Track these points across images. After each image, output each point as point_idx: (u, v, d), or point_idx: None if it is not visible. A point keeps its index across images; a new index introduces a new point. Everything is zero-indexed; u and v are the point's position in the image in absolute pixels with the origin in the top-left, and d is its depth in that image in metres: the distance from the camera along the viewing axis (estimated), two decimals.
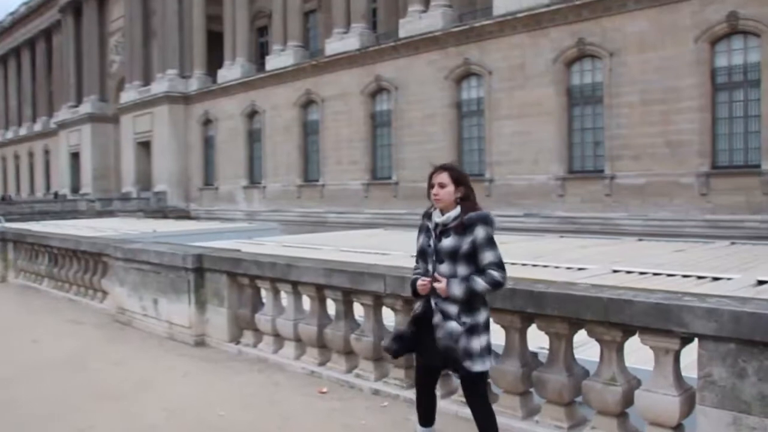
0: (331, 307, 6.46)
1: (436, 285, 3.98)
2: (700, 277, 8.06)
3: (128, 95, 48.62)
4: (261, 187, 39.15)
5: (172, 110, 44.58)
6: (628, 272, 8.50)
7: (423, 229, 4.27)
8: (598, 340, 4.37)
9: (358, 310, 6.23)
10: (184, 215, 42.63)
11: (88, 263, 11.16)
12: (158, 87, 45.30)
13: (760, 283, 7.78)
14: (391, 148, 30.91)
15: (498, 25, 26.17)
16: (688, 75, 21.30)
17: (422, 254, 4.20)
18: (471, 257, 3.97)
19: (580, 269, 8.75)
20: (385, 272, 5.76)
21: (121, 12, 50.32)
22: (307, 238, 17.66)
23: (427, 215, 4.25)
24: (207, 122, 43.67)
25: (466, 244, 3.96)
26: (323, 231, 25.41)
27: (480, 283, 3.90)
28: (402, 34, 30.15)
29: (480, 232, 3.94)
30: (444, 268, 4.02)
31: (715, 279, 7.97)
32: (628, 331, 4.21)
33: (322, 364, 6.43)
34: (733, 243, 12.28)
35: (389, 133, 31.18)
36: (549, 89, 24.63)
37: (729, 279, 7.85)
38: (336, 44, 33.60)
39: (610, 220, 22.60)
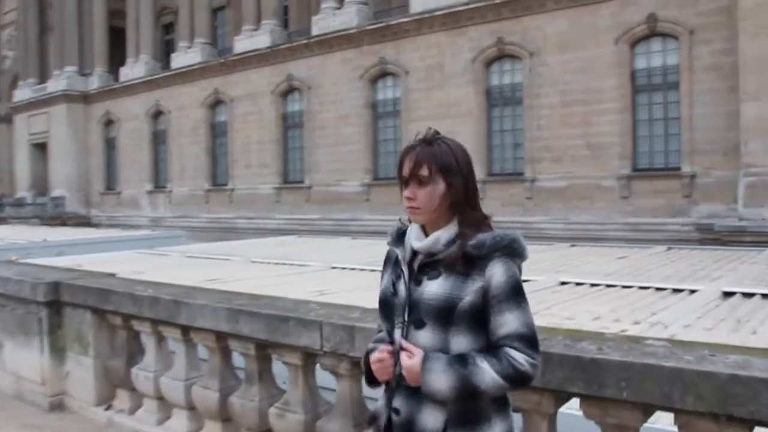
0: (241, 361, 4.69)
1: (403, 362, 2.25)
2: (659, 289, 7.16)
3: (22, 93, 45.52)
4: (167, 192, 37.17)
5: (70, 110, 41.91)
6: (578, 284, 7.54)
7: (389, 261, 2.53)
8: None
9: (279, 369, 4.42)
10: (84, 222, 40.21)
11: None
12: (55, 85, 42.55)
13: (726, 294, 6.96)
14: (304, 150, 29.63)
15: (415, 23, 25.32)
16: (609, 76, 20.94)
17: (385, 306, 2.41)
18: (477, 319, 2.26)
19: (524, 281, 7.72)
20: (322, 318, 3.79)
21: (14, 4, 47.17)
22: (214, 248, 16.17)
23: (398, 235, 2.54)
24: (109, 123, 41.28)
25: (470, 293, 2.24)
26: (233, 238, 23.96)
27: (487, 373, 2.17)
28: (315, 31, 28.95)
29: (499, 273, 2.26)
30: (425, 335, 2.27)
31: (677, 291, 7.09)
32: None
33: None
34: (670, 248, 11.59)
35: (301, 134, 29.89)
36: (468, 90, 23.90)
37: (693, 291, 6.98)
38: (245, 42, 32.10)
39: (531, 224, 21.97)
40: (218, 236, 26.38)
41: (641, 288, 7.34)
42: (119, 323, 5.42)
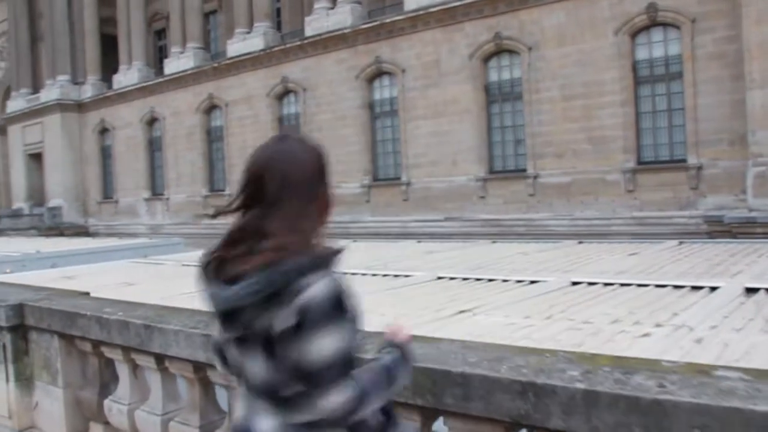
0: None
1: None
2: (676, 287, 6.73)
3: (16, 104, 45.13)
4: (164, 199, 36.75)
5: (64, 119, 41.49)
6: (591, 284, 7.11)
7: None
8: None
9: None
10: (82, 231, 39.79)
11: None
12: (49, 94, 42.12)
13: (750, 291, 6.53)
14: None
15: (410, 20, 24.92)
16: (609, 68, 20.55)
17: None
18: None
19: (533, 282, 7.33)
20: None
21: (5, 14, 46.74)
22: None
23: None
24: (104, 131, 40.88)
25: None
26: None
27: None
28: (308, 32, 28.55)
29: None
30: None
31: (696, 288, 6.66)
32: None
33: None
34: (681, 242, 11.17)
35: None
36: (466, 86, 23.49)
37: (713, 288, 6.54)
38: (238, 45, 31.70)
39: (534, 221, 21.59)
40: None
41: (658, 286, 6.92)
42: (89, 349, 4.78)
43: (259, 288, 1.83)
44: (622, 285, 7.01)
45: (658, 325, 5.43)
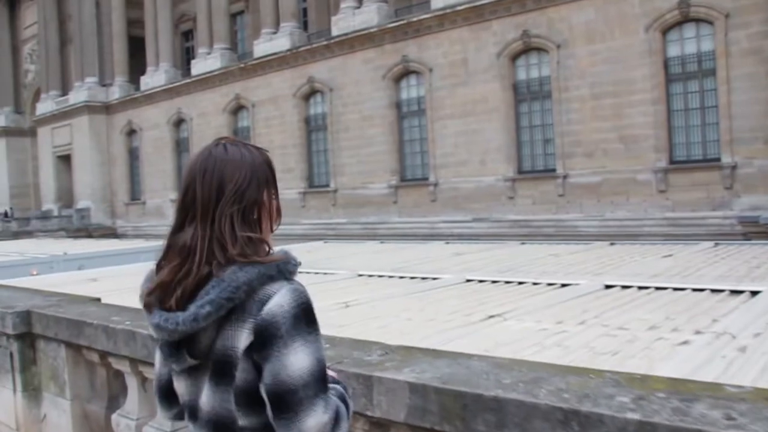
0: None
1: None
2: (715, 291, 6.45)
3: (45, 106, 45.57)
4: None
5: (92, 121, 41.82)
6: (624, 287, 6.86)
7: None
8: None
9: None
10: (109, 233, 40.08)
11: None
12: (77, 96, 42.48)
13: None
14: (328, 153, 29.11)
15: (437, 19, 24.69)
16: (640, 66, 20.14)
17: None
18: None
19: (564, 285, 7.08)
20: (330, 363, 2.77)
21: (35, 18, 47.21)
22: None
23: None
24: (131, 132, 41.12)
25: None
26: None
27: None
28: (335, 32, 28.43)
29: None
30: None
31: (735, 292, 6.36)
32: None
33: None
34: (717, 244, 10.83)
35: (325, 137, 29.38)
36: (494, 85, 23.20)
37: (754, 293, 6.25)
38: (265, 45, 31.67)
39: (564, 222, 21.24)
40: None
41: (695, 290, 6.63)
42: (97, 360, 4.47)
43: (215, 307, 1.62)
44: (658, 288, 6.75)
45: (697, 332, 5.15)
